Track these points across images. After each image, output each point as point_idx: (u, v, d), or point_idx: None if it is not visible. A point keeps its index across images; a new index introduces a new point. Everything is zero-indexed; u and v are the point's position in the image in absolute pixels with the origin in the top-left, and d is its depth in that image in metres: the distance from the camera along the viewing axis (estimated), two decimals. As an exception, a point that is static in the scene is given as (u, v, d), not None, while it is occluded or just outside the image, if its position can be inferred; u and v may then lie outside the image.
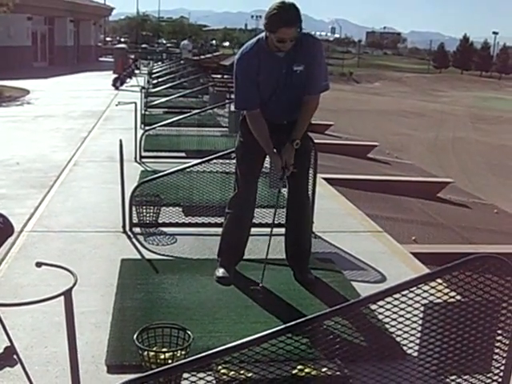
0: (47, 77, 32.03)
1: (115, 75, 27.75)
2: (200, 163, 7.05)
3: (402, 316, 3.17)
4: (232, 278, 5.48)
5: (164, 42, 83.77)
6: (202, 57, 45.68)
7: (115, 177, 7.23)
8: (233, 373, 3.61)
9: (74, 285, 2.87)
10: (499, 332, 3.30)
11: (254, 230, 5.92)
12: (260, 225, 6.91)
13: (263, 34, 5.05)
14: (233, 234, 5.62)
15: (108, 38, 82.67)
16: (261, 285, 5.09)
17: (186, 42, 33.08)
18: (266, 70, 5.05)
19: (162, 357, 3.76)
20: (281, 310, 4.87)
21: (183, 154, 10.85)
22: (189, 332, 3.95)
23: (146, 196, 7.05)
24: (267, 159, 5.43)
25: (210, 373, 3.50)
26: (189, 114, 12.88)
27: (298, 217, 5.54)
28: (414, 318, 3.20)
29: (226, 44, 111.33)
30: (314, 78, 5.13)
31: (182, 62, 30.47)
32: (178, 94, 17.30)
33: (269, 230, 6.82)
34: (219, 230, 5.77)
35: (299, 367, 3.79)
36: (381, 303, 3.10)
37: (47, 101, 21.64)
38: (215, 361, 3.49)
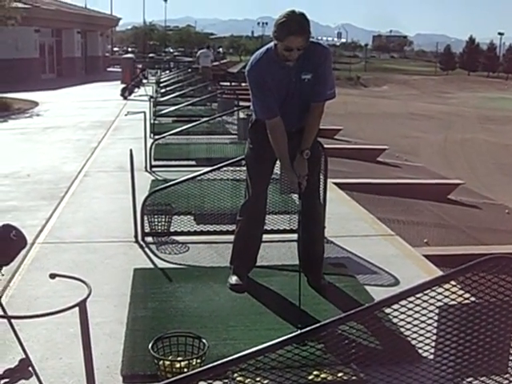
0: (56, 88, 32.14)
1: (123, 85, 27.82)
2: (210, 171, 7.06)
3: (416, 319, 3.16)
4: (245, 285, 5.47)
5: (171, 50, 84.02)
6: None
7: (126, 186, 7.25)
8: (249, 380, 3.60)
9: (89, 295, 2.87)
10: (515, 333, 3.28)
11: (265, 237, 5.92)
12: (272, 231, 6.93)
13: (272, 44, 5.04)
14: (244, 241, 5.61)
15: (115, 48, 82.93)
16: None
17: (204, 50, 32.67)
18: (275, 80, 5.05)
19: (178, 365, 3.76)
20: (295, 316, 4.85)
21: (193, 163, 10.87)
22: (204, 340, 3.96)
23: (157, 205, 7.05)
24: (277, 165, 5.43)
25: (226, 381, 3.50)
26: (198, 123, 12.91)
27: (311, 222, 5.52)
28: (429, 321, 3.19)
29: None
30: (320, 86, 5.12)
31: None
32: (186, 103, 17.36)
33: (280, 236, 6.88)
34: (231, 238, 5.77)
35: (315, 373, 3.78)
36: (395, 307, 3.10)
37: (56, 112, 21.72)
38: (231, 368, 3.47)
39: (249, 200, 5.50)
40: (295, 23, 4.79)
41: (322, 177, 6.51)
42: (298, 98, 5.13)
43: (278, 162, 5.36)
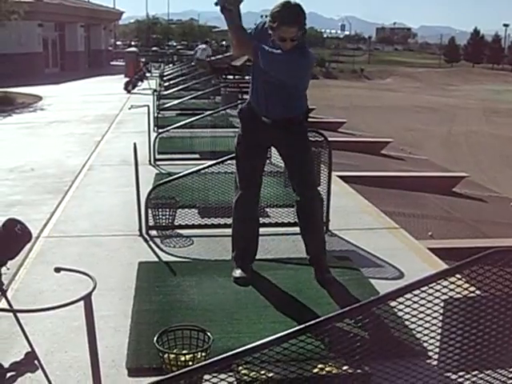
0: (59, 82, 32.12)
1: (127, 79, 27.84)
2: (214, 164, 7.05)
3: (421, 312, 3.15)
4: (249, 278, 5.46)
5: (174, 44, 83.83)
6: (213, 58, 45.53)
7: (130, 180, 7.25)
8: (253, 373, 3.61)
9: (94, 289, 2.87)
10: (520, 326, 3.27)
11: (270, 230, 5.93)
12: (276, 224, 6.93)
13: None
14: (241, 234, 5.62)
15: (118, 42, 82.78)
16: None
17: (203, 45, 32.86)
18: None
19: (183, 359, 3.76)
20: (299, 309, 4.86)
21: (197, 156, 10.86)
22: (208, 333, 3.96)
23: (161, 198, 7.06)
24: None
25: (230, 374, 3.50)
26: (201, 116, 12.87)
27: (306, 215, 5.52)
28: (434, 314, 3.18)
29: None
30: None
31: (192, 63, 30.46)
32: (190, 96, 17.28)
33: (285, 229, 6.87)
34: (235, 231, 5.76)
35: (320, 366, 3.78)
36: (400, 300, 3.09)
37: (60, 106, 21.72)
38: (236, 362, 3.48)
39: (241, 192, 5.49)
40: (289, 13, 4.87)
41: (326, 170, 6.52)
42: (270, 84, 5.15)
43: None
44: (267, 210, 7.35)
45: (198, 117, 12.62)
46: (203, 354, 3.80)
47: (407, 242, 6.87)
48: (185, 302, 5.04)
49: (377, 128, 30.86)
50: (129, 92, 25.16)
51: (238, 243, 5.66)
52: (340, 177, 9.77)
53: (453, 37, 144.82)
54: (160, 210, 6.93)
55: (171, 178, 7.23)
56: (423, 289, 3.07)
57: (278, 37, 4.92)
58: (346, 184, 9.61)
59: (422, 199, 12.83)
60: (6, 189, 9.30)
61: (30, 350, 3.61)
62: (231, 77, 32.99)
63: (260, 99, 5.27)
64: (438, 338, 3.28)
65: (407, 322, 3.32)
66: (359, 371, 3.78)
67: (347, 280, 5.54)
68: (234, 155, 6.75)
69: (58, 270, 3.02)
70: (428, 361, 3.34)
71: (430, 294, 3.10)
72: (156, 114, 14.47)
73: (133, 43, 78.16)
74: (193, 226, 7.06)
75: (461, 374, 3.32)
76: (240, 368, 3.67)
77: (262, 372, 3.58)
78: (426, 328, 3.22)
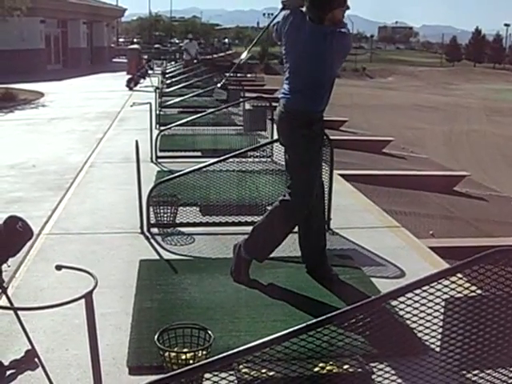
0: (61, 79, 32.15)
1: (129, 76, 27.80)
2: (216, 162, 7.05)
3: (422, 311, 3.15)
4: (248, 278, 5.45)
5: (177, 41, 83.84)
6: (215, 56, 45.58)
7: (131, 178, 7.24)
8: (254, 372, 3.60)
9: (95, 287, 2.86)
10: (522, 325, 3.27)
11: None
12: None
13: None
14: (283, 237, 5.52)
15: (121, 39, 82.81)
16: None
17: (187, 41, 32.94)
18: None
19: (184, 357, 3.76)
20: (301, 308, 4.85)
21: (199, 154, 10.87)
22: (209, 332, 3.95)
23: (163, 196, 7.05)
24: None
25: (231, 372, 3.49)
26: (203, 114, 12.86)
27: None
28: (435, 314, 3.18)
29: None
30: None
31: (194, 61, 30.53)
32: (192, 94, 17.28)
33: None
34: (237, 229, 5.78)
35: (321, 365, 3.78)
36: (401, 299, 3.09)
37: (62, 103, 21.71)
38: (237, 360, 3.47)
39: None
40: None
41: (327, 168, 6.51)
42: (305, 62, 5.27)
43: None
44: (269, 208, 7.34)
45: (200, 114, 12.61)
46: (204, 352, 3.80)
47: (408, 241, 6.87)
48: (186, 301, 5.04)
49: (378, 126, 30.86)
50: (131, 89, 25.16)
51: (272, 246, 5.54)
52: (341, 175, 9.76)
53: (454, 36, 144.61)
54: (161, 207, 6.92)
55: (173, 175, 7.22)
56: (424, 288, 3.06)
57: (340, 17, 5.29)
58: (347, 182, 9.60)
59: (423, 198, 12.84)
60: (7, 185, 9.30)
61: (30, 347, 3.61)
62: (233, 75, 32.97)
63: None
64: (439, 337, 3.27)
65: (408, 321, 3.32)
66: (360, 370, 3.78)
67: (348, 279, 5.54)
68: (236, 153, 6.74)
69: (58, 267, 3.02)
70: (429, 360, 3.32)
71: (431, 294, 3.09)
72: (158, 112, 14.46)
73: (135, 40, 78.15)
74: (194, 224, 7.05)
75: (462, 373, 3.31)
76: (241, 367, 3.67)
77: (263, 371, 3.58)
78: (426, 327, 3.21)
